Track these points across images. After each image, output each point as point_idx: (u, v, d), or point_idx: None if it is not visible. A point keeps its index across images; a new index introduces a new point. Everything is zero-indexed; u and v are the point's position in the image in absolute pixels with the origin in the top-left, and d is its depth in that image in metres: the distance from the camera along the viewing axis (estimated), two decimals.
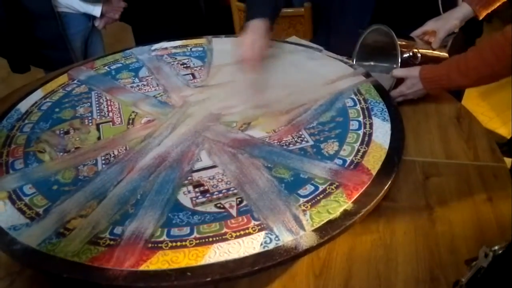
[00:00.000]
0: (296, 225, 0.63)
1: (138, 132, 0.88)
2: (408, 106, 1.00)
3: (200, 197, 0.70)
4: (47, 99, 1.02)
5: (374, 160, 0.76)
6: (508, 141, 2.09)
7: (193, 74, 1.10)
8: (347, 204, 0.67)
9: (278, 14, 1.13)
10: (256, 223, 0.64)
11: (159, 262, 0.59)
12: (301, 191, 0.70)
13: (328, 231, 0.63)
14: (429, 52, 1.05)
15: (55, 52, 1.55)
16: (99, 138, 0.88)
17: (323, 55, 1.16)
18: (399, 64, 0.99)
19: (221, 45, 1.26)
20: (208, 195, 0.71)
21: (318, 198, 0.68)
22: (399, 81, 0.98)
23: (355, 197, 0.68)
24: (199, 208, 0.68)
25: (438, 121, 0.97)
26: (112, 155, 0.82)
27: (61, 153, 0.83)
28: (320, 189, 0.70)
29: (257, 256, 0.59)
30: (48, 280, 0.66)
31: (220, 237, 0.62)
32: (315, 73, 1.06)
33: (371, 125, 0.85)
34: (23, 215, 0.68)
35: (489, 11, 1.07)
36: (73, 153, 0.83)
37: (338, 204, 0.67)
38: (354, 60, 1.12)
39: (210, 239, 0.62)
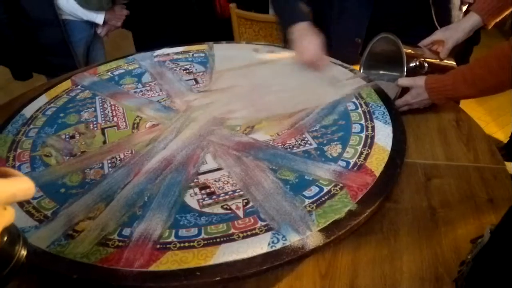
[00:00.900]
0: (303, 226, 0.64)
1: (143, 136, 0.89)
2: (407, 110, 1.01)
3: (206, 199, 0.71)
4: (52, 104, 1.03)
5: (377, 162, 0.77)
6: (505, 145, 2.12)
7: (195, 79, 1.12)
8: (352, 205, 0.68)
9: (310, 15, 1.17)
10: (263, 223, 0.66)
11: (168, 262, 0.60)
12: (306, 193, 0.71)
13: (334, 231, 0.64)
14: (436, 61, 1.05)
15: (58, 59, 1.57)
16: (104, 142, 0.89)
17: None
18: (405, 73, 0.98)
19: (222, 51, 1.27)
20: (214, 197, 0.72)
21: (323, 199, 0.70)
22: (405, 90, 0.98)
23: (359, 198, 0.69)
24: (206, 210, 0.69)
25: (437, 124, 0.99)
26: (118, 158, 0.83)
27: (67, 157, 0.84)
28: (325, 190, 0.71)
29: (265, 255, 0.60)
30: (55, 284, 0.66)
31: (228, 238, 0.63)
32: (315, 77, 1.08)
33: (373, 128, 0.87)
34: (31, 217, 0.69)
35: (497, 20, 1.06)
36: (79, 157, 0.84)
37: (343, 205, 0.68)
38: (362, 68, 1.12)
39: (218, 240, 0.63)
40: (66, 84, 1.13)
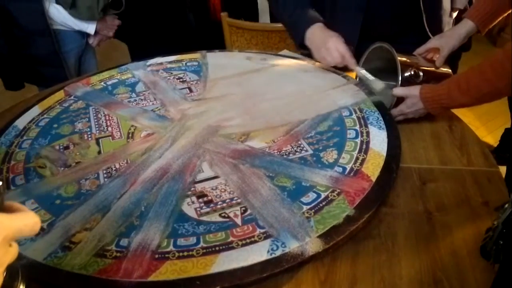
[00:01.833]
0: (302, 232, 0.64)
1: (138, 146, 0.89)
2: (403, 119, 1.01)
3: (204, 207, 0.71)
4: (45, 115, 1.03)
5: (373, 167, 0.78)
6: (495, 149, 2.14)
7: (189, 88, 1.12)
8: (350, 210, 0.68)
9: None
10: (262, 231, 0.65)
11: (168, 272, 0.59)
12: (304, 199, 0.71)
13: (333, 237, 0.64)
14: (432, 69, 1.05)
15: (50, 69, 1.56)
16: (99, 152, 0.88)
17: (316, 67, 1.19)
18: (400, 83, 0.98)
19: (215, 59, 1.28)
20: (212, 205, 0.72)
21: (321, 205, 0.70)
22: (400, 99, 0.97)
23: (357, 203, 0.70)
24: (204, 218, 0.69)
25: (430, 129, 1.00)
26: (114, 168, 0.82)
27: (62, 168, 0.83)
28: (322, 196, 0.72)
29: (265, 263, 0.60)
30: None
31: (227, 246, 0.63)
32: (309, 84, 1.09)
33: (367, 133, 0.88)
34: None
35: (490, 26, 1.07)
36: (74, 167, 0.83)
37: (341, 210, 0.68)
38: (358, 77, 1.13)
39: (217, 248, 0.63)
40: (59, 94, 1.12)
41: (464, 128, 1.00)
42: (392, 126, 0.90)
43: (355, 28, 1.21)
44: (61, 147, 0.90)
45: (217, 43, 1.77)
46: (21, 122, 1.00)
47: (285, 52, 1.43)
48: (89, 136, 0.94)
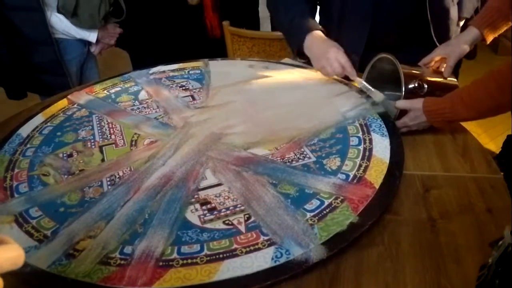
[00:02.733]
0: (306, 239, 0.64)
1: (142, 153, 0.89)
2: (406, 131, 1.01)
3: (208, 214, 0.71)
4: (48, 123, 1.03)
5: (376, 174, 0.78)
6: (497, 155, 2.14)
7: (192, 96, 1.12)
8: (353, 217, 0.68)
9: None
10: (265, 238, 0.65)
11: (172, 279, 0.59)
12: (307, 206, 0.71)
13: (336, 244, 0.64)
14: (437, 80, 1.03)
15: (52, 77, 1.57)
16: (102, 160, 0.88)
17: (318, 74, 1.19)
18: (404, 95, 0.97)
19: (218, 68, 1.28)
20: (215, 212, 0.72)
21: (325, 212, 0.70)
22: (403, 111, 0.96)
23: (360, 210, 0.70)
24: (207, 225, 0.69)
25: (433, 136, 1.00)
26: (117, 176, 0.82)
27: (66, 176, 0.84)
28: (326, 203, 0.72)
29: (269, 270, 0.60)
30: None
31: (231, 253, 0.63)
32: (311, 92, 1.09)
33: (370, 140, 0.88)
34: (31, 237, 0.68)
35: (496, 35, 1.06)
36: (78, 175, 0.84)
37: (345, 217, 0.68)
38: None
39: (221, 256, 0.63)
40: (62, 103, 1.13)
41: (466, 135, 1.00)
42: (394, 133, 0.90)
43: (361, 38, 1.20)
44: (64, 155, 0.90)
45: (219, 52, 1.78)
46: (24, 130, 1.01)
47: (287, 60, 1.43)
48: (93, 144, 0.94)
